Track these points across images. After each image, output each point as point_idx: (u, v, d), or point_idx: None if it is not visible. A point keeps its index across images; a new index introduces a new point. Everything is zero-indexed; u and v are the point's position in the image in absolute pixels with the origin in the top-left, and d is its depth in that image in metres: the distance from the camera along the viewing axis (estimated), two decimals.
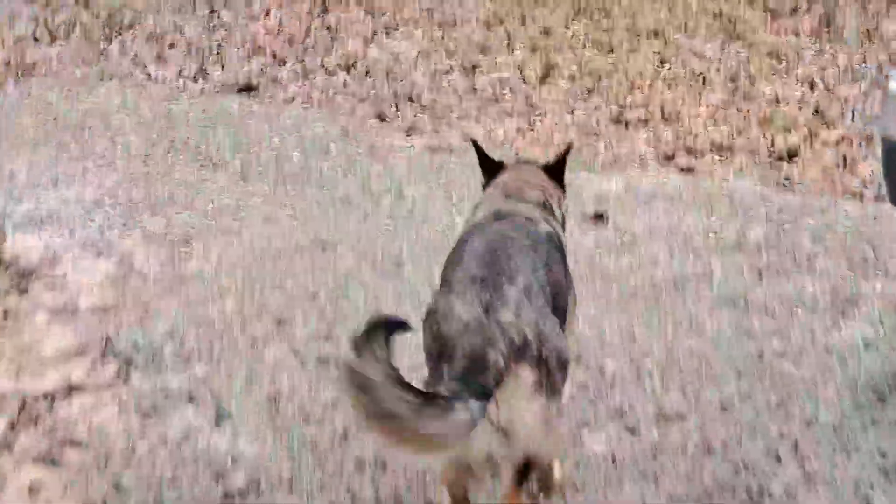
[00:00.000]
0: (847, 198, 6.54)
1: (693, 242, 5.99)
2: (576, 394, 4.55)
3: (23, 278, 5.66)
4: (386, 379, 3.12)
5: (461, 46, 9.55)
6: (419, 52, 9.41)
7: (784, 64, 9.21)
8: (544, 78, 8.88)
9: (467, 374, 3.23)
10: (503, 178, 4.23)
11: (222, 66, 9.10)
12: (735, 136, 7.58)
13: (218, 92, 8.58)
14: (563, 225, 4.22)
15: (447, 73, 8.97)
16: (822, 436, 4.25)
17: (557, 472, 3.92)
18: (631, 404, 4.49)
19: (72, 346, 5.09)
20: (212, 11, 10.51)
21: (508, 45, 9.70)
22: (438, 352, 3.38)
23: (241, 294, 5.53)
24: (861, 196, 6.55)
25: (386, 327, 3.25)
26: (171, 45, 9.66)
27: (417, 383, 3.22)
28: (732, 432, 4.29)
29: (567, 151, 4.34)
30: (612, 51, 9.62)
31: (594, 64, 9.18)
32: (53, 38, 9.90)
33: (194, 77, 8.96)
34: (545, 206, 4.08)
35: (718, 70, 9.04)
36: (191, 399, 4.67)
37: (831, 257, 5.75)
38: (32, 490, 4.19)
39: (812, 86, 8.56)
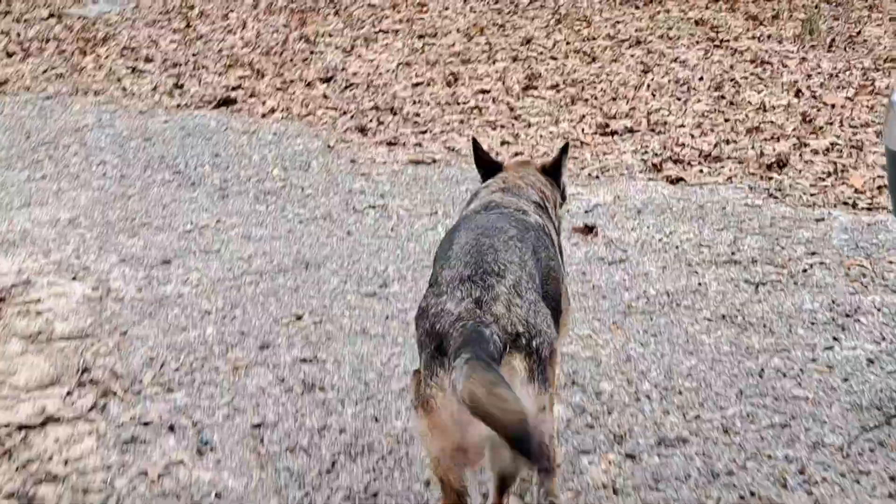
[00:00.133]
0: (840, 207, 6.40)
1: (686, 256, 5.84)
2: (573, 418, 4.39)
3: None
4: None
5: (442, 57, 9.42)
6: (399, 64, 9.26)
7: (768, 71, 9.11)
8: (527, 88, 8.75)
9: (469, 342, 3.24)
10: (500, 176, 4.21)
11: (199, 80, 8.93)
12: (723, 144, 7.46)
13: (195, 107, 8.41)
14: (558, 226, 4.20)
15: (428, 84, 8.82)
16: (830, 460, 4.10)
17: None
18: (630, 429, 4.33)
19: (46, 375, 4.90)
20: (188, 24, 10.34)
21: (489, 54, 9.56)
22: (436, 345, 3.38)
23: (222, 317, 5.35)
24: (854, 205, 6.41)
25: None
26: (147, 59, 9.49)
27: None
28: (736, 457, 4.13)
29: (564, 151, 4.28)
30: (594, 60, 9.50)
31: (577, 73, 9.05)
32: (26, 54, 9.71)
33: (171, 91, 8.79)
34: (539, 205, 4.06)
35: (702, 78, 8.94)
36: (171, 430, 4.49)
37: (828, 270, 5.61)
38: None
39: (798, 93, 8.45)
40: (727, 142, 7.50)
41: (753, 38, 10.10)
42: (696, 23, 10.59)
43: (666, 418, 4.39)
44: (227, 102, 8.47)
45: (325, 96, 8.56)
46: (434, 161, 7.30)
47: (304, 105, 8.38)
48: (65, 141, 7.67)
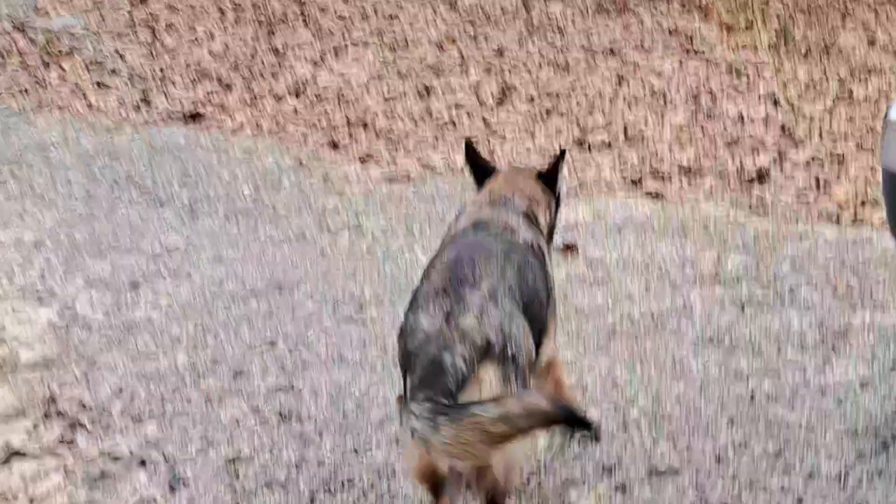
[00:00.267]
0: (824, 222, 6.28)
1: (669, 275, 5.71)
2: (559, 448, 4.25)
3: None
4: None
5: (414, 69, 9.25)
6: (370, 76, 9.10)
7: (745, 81, 9.00)
8: (501, 101, 8.60)
9: (427, 378, 3.28)
10: (491, 185, 4.15)
11: (166, 94, 8.73)
12: (702, 157, 7.33)
13: (163, 121, 8.22)
14: (550, 234, 4.19)
15: (401, 97, 8.66)
16: (826, 490, 3.97)
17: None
18: (619, 458, 4.19)
19: (11, 407, 4.73)
20: (154, 37, 10.15)
21: (462, 66, 9.41)
22: (405, 367, 3.44)
23: (194, 344, 5.18)
24: (838, 220, 6.30)
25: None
26: (113, 72, 9.28)
27: None
28: (730, 488, 3.99)
29: (561, 157, 4.22)
30: (568, 71, 9.36)
31: (552, 86, 8.91)
32: None
33: (137, 106, 8.59)
34: (528, 216, 4.01)
35: (679, 89, 8.82)
36: (142, 464, 4.32)
37: (815, 288, 5.49)
38: None
39: (776, 103, 8.35)
40: (706, 155, 7.38)
41: (728, 47, 9.99)
42: (670, 32, 10.48)
43: (656, 448, 4.25)
44: (195, 117, 8.28)
45: (295, 111, 8.38)
46: (409, 178, 7.14)
47: (274, 120, 8.20)
48: (29, 159, 7.47)
